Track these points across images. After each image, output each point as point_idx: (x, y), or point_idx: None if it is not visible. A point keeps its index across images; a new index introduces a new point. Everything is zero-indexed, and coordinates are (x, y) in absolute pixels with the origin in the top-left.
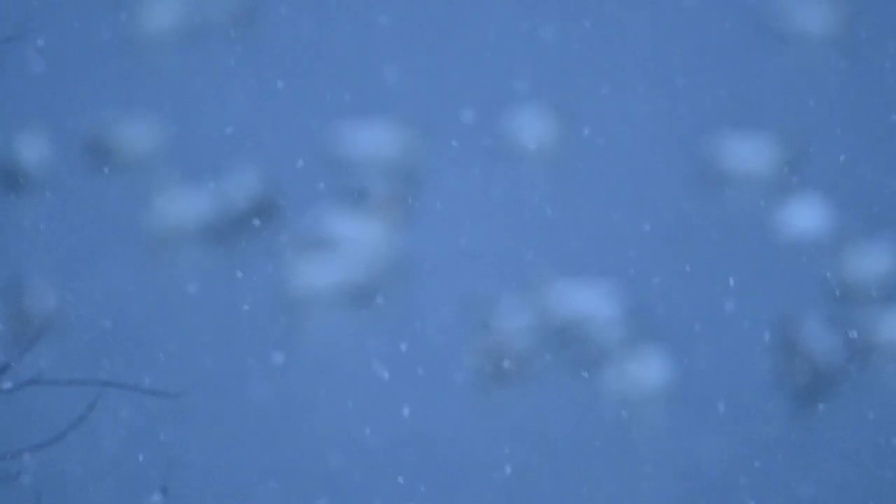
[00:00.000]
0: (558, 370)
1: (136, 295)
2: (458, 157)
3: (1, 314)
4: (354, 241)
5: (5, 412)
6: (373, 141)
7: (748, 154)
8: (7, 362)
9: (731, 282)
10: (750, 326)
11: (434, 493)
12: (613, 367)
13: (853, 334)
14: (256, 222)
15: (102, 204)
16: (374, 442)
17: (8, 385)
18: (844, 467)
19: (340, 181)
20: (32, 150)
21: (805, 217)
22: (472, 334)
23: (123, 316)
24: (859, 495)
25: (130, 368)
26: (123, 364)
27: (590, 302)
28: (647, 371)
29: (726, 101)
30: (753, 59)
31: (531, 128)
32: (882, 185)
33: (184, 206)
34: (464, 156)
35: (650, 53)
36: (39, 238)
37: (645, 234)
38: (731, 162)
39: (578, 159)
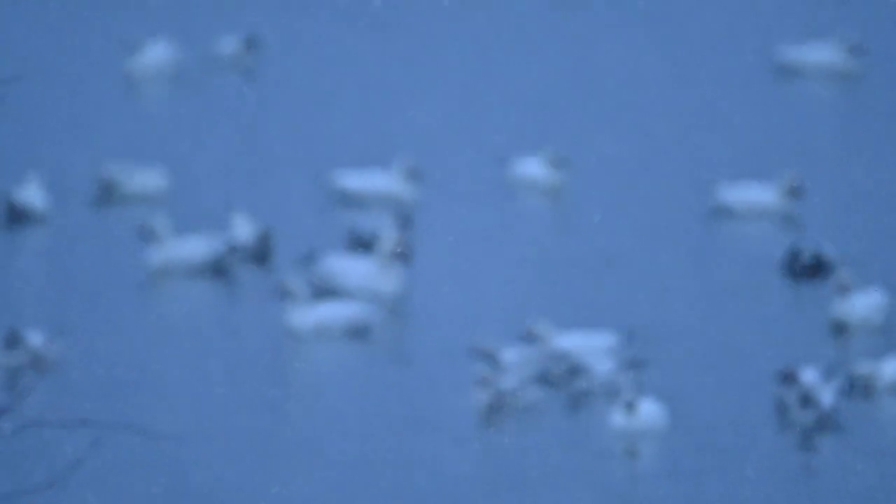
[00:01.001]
0: (558, 410)
1: (136, 335)
2: (459, 200)
3: (0, 355)
4: (355, 280)
5: (5, 454)
6: (373, 183)
7: (752, 198)
8: (7, 404)
9: (732, 324)
10: (751, 369)
11: None
12: (613, 408)
13: (852, 376)
14: (256, 262)
15: (102, 244)
16: (373, 480)
17: (8, 426)
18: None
19: (340, 221)
20: (32, 191)
21: (807, 260)
22: (470, 375)
23: (123, 356)
24: None
25: (130, 408)
26: (123, 404)
27: (590, 341)
28: (648, 412)
29: (730, 147)
30: (759, 101)
31: (533, 173)
32: (883, 227)
33: (183, 246)
34: (465, 198)
35: (650, 100)
36: (39, 279)
37: (646, 273)
38: (735, 206)
39: (579, 202)
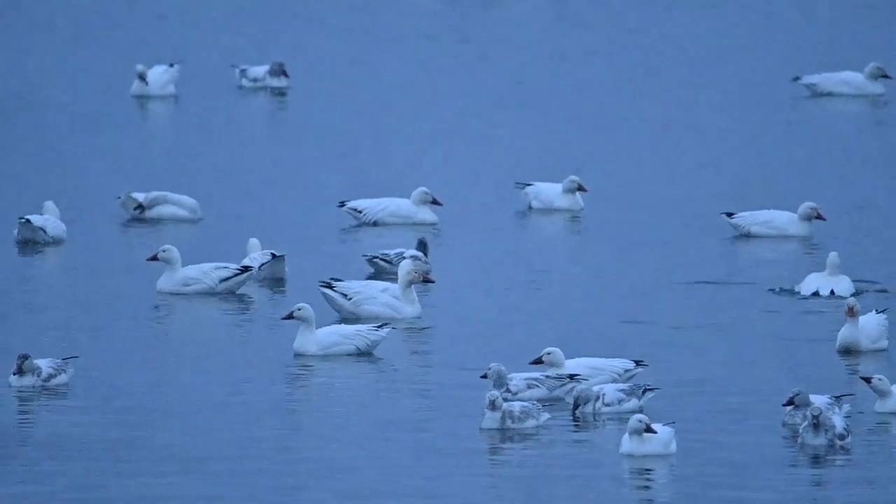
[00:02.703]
0: (569, 435)
1: (149, 357)
2: (475, 225)
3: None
4: (375, 305)
5: (22, 476)
6: (392, 209)
7: (771, 223)
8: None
9: (742, 348)
10: (761, 394)
11: None
12: (623, 433)
13: (862, 401)
14: (271, 284)
15: (117, 267)
16: (382, 502)
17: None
18: None
19: (359, 247)
20: (48, 215)
21: (821, 290)
22: (481, 398)
23: (134, 378)
24: None
25: (144, 429)
26: (135, 426)
27: (600, 366)
28: (658, 437)
29: (749, 171)
30: (780, 128)
31: (550, 199)
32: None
33: (199, 270)
34: (481, 224)
35: (671, 127)
36: (53, 301)
37: (658, 298)
38: (754, 230)
39: (596, 228)
